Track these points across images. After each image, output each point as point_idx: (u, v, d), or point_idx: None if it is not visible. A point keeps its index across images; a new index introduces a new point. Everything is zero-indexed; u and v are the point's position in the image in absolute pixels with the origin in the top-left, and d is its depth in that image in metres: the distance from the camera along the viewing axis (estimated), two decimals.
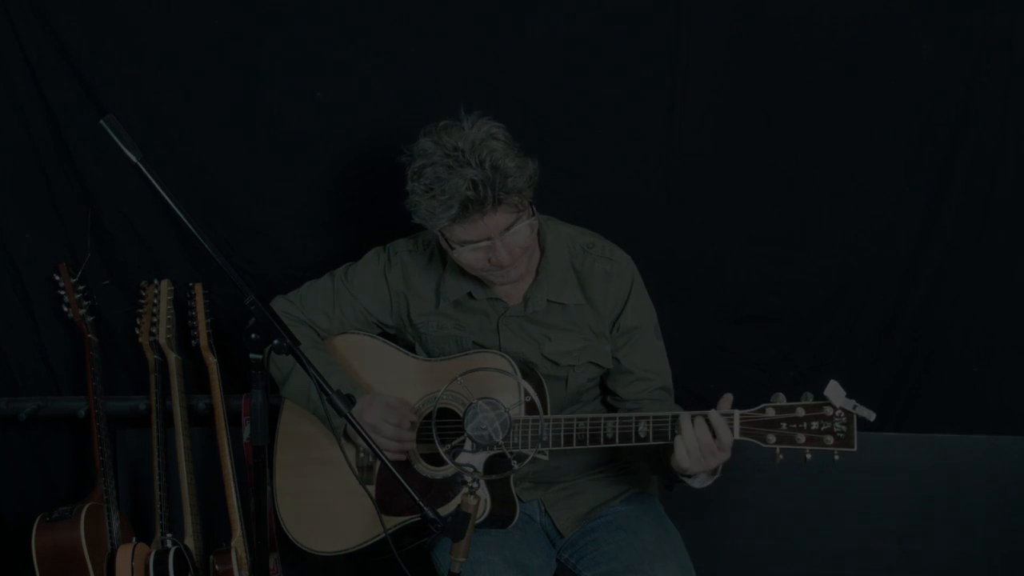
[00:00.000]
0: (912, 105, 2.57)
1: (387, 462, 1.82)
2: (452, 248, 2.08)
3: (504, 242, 2.03)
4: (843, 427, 1.85)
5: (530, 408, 2.09)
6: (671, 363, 2.31)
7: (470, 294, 2.23)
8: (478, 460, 2.11)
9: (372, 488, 2.21)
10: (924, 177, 2.63)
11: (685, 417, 1.94)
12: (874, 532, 2.86)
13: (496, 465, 2.12)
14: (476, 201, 1.95)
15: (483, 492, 2.07)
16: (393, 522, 2.15)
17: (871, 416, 1.82)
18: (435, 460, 2.17)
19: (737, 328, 2.78)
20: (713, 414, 1.92)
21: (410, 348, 2.32)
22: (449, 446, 2.08)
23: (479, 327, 2.24)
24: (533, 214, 2.08)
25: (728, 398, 1.95)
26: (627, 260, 2.27)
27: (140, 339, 2.76)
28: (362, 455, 2.25)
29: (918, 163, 2.62)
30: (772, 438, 1.89)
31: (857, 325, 2.75)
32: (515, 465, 1.99)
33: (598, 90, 2.61)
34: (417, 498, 1.81)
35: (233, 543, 2.69)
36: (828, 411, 1.86)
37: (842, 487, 2.81)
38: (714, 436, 1.91)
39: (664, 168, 2.67)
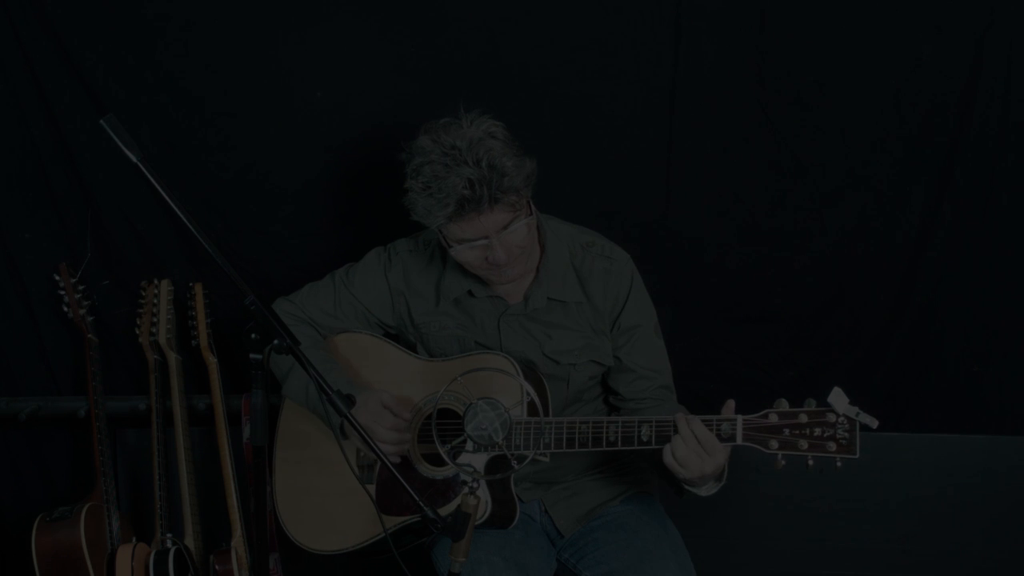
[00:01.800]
0: (912, 105, 2.57)
1: (388, 463, 1.82)
2: (450, 246, 2.08)
3: (501, 241, 2.03)
4: (846, 434, 1.85)
5: (531, 409, 2.09)
6: (671, 364, 2.31)
7: (470, 292, 2.23)
8: (479, 460, 2.11)
9: (372, 488, 2.21)
10: (924, 177, 2.63)
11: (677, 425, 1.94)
12: (874, 532, 2.86)
13: (497, 465, 2.12)
14: (472, 200, 1.95)
15: (483, 492, 2.07)
16: (393, 522, 2.15)
17: (874, 423, 1.82)
18: (436, 460, 2.17)
19: (737, 328, 2.78)
20: (693, 420, 1.92)
21: (412, 348, 2.32)
22: (449, 446, 2.08)
23: (480, 326, 2.24)
24: (531, 213, 2.08)
25: (730, 404, 1.95)
26: (626, 259, 2.27)
27: (140, 339, 2.76)
28: (362, 454, 2.25)
29: (918, 163, 2.62)
30: (775, 444, 1.89)
31: (857, 325, 2.75)
32: (515, 466, 1.99)
33: (598, 90, 2.61)
34: (417, 498, 1.80)
35: (233, 543, 2.69)
36: (831, 418, 1.86)
37: (842, 487, 2.81)
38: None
39: (664, 168, 2.67)
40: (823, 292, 2.74)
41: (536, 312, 2.22)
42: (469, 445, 2.04)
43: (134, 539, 2.64)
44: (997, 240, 2.66)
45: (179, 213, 1.69)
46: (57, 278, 2.73)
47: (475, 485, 1.81)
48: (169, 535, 2.65)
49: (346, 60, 2.62)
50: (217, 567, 2.66)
